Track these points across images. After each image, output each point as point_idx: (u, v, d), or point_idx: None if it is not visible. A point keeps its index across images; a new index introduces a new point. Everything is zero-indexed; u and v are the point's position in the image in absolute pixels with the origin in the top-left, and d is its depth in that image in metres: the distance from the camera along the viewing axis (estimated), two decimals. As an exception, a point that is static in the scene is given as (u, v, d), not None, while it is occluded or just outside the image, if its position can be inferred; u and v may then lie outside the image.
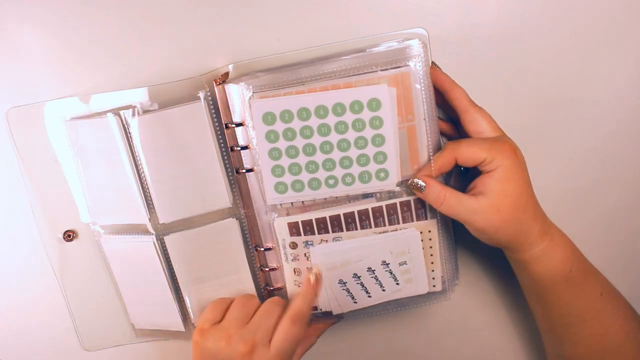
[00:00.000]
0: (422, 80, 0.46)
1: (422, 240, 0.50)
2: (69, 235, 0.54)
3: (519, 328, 0.59)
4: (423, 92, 0.47)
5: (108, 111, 0.49)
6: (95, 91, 0.50)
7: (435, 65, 0.48)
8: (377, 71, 0.46)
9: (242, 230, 0.52)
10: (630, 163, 0.54)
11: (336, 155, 0.47)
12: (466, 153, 0.44)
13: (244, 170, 0.50)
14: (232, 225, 0.52)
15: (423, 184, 0.46)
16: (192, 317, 0.54)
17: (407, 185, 0.48)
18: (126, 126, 0.49)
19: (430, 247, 0.51)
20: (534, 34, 0.50)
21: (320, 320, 0.54)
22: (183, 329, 0.55)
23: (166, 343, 0.58)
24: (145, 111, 0.48)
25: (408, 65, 0.46)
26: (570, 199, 0.55)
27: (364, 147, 0.47)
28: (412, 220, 0.50)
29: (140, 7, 0.49)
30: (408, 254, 0.50)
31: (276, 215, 0.50)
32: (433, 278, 0.52)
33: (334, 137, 0.47)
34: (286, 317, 0.47)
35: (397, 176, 0.48)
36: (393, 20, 0.49)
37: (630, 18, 0.50)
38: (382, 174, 0.48)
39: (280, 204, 0.50)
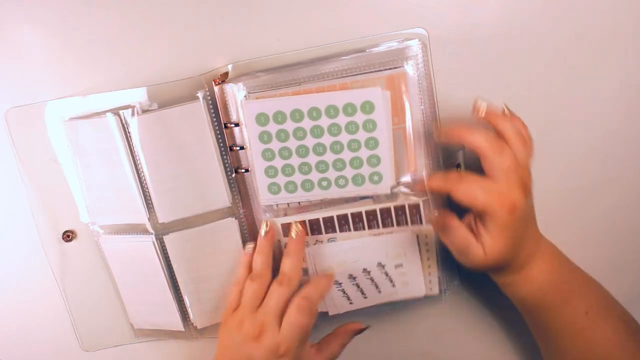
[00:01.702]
0: (419, 81, 0.46)
1: (418, 244, 0.50)
2: (68, 236, 0.54)
3: (518, 330, 0.59)
4: (420, 93, 0.47)
5: (107, 111, 0.49)
6: (95, 91, 0.50)
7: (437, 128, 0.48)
8: (373, 71, 0.46)
9: (241, 230, 0.52)
10: (630, 163, 0.54)
11: (329, 157, 0.47)
12: (462, 196, 0.42)
13: (242, 170, 0.50)
14: (231, 225, 0.52)
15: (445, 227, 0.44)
16: (191, 316, 0.54)
17: (430, 223, 0.47)
18: (125, 126, 0.49)
19: (427, 251, 0.51)
20: (534, 34, 0.50)
21: (344, 328, 0.52)
22: (182, 329, 0.55)
23: (166, 343, 0.58)
24: (145, 111, 0.48)
25: (405, 65, 0.46)
26: (570, 199, 0.55)
27: (357, 149, 0.47)
28: (407, 224, 0.50)
29: (140, 7, 0.49)
30: (404, 257, 0.50)
31: (271, 215, 0.50)
32: (430, 281, 0.52)
33: (327, 139, 0.47)
34: (293, 304, 0.46)
35: (392, 180, 0.48)
36: (393, 20, 0.49)
37: (631, 18, 0.50)
38: (376, 177, 0.48)
39: (277, 205, 0.50)
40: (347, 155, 0.47)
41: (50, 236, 0.54)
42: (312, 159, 0.47)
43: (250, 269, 0.49)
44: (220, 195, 0.50)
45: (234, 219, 0.52)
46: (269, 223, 0.50)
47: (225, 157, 0.50)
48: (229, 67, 0.49)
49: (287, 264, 0.48)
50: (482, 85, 0.51)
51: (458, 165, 0.51)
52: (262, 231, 0.49)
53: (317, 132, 0.47)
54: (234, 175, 0.51)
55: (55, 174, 0.52)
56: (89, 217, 0.53)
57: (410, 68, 0.46)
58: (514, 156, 0.42)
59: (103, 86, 0.50)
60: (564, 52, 0.51)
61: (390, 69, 0.46)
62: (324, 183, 0.48)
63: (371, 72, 0.46)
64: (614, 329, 0.46)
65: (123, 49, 0.50)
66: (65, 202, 0.52)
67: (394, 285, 0.51)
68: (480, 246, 0.43)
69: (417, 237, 0.50)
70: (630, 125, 0.53)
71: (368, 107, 0.46)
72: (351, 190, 0.48)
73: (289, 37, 0.49)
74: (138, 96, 0.49)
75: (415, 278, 0.51)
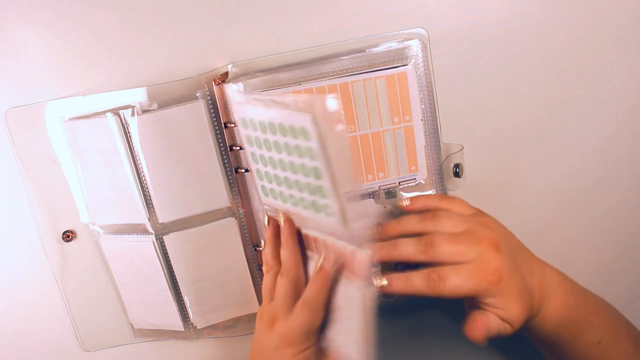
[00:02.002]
0: (421, 81, 0.46)
1: (363, 303, 0.41)
2: (68, 236, 0.53)
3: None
4: (421, 93, 0.47)
5: (107, 111, 0.49)
6: (95, 91, 0.50)
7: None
8: (373, 71, 0.46)
9: (241, 230, 0.52)
10: (630, 163, 0.54)
11: (290, 175, 0.43)
12: (450, 294, 0.41)
13: (242, 170, 0.50)
14: (231, 225, 0.52)
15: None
16: (191, 316, 0.54)
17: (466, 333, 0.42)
18: (125, 126, 0.49)
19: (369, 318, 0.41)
20: (534, 34, 0.50)
21: None
22: (182, 329, 0.55)
23: (166, 343, 0.58)
24: (145, 111, 0.48)
25: (405, 65, 0.46)
26: (571, 199, 0.55)
27: (307, 175, 0.41)
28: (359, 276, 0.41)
29: (140, 7, 0.49)
30: (351, 310, 0.43)
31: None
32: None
33: (285, 157, 0.42)
34: (299, 301, 0.45)
35: (342, 218, 0.40)
36: (393, 20, 0.49)
37: (631, 18, 0.50)
38: (329, 210, 0.41)
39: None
40: (302, 178, 0.41)
41: (50, 236, 0.54)
42: (280, 172, 0.43)
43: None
44: (220, 195, 0.50)
45: (233, 218, 0.51)
46: (268, 216, 0.48)
47: (225, 157, 0.50)
48: (229, 67, 0.49)
49: (283, 255, 0.47)
50: (482, 85, 0.51)
51: (457, 166, 0.51)
52: (265, 222, 0.48)
53: (277, 147, 0.42)
54: (234, 175, 0.51)
55: (55, 174, 0.52)
56: (88, 217, 0.53)
57: (410, 68, 0.46)
58: (445, 227, 0.42)
59: (103, 86, 0.50)
60: (564, 52, 0.51)
61: (390, 68, 0.46)
62: (292, 200, 0.44)
63: (371, 71, 0.46)
64: (625, 355, 0.46)
65: (123, 49, 0.50)
66: (65, 203, 0.52)
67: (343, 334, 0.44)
68: (504, 323, 0.42)
69: (363, 296, 0.41)
70: (630, 125, 0.53)
71: (306, 133, 0.38)
72: (309, 217, 0.43)
73: (289, 37, 0.49)
74: (138, 96, 0.49)
75: (354, 340, 0.42)
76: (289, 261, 0.46)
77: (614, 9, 0.50)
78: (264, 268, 0.49)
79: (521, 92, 0.52)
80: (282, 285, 0.46)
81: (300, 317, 0.44)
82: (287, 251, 0.46)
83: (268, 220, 0.48)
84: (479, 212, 0.45)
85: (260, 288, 0.54)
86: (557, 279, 0.46)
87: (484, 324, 0.42)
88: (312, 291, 0.45)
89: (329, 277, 0.45)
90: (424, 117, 0.47)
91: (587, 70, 0.51)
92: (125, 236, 0.52)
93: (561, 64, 0.51)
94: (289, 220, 0.46)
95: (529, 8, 0.49)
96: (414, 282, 0.42)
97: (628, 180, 0.55)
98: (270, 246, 0.48)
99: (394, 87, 0.46)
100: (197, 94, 0.48)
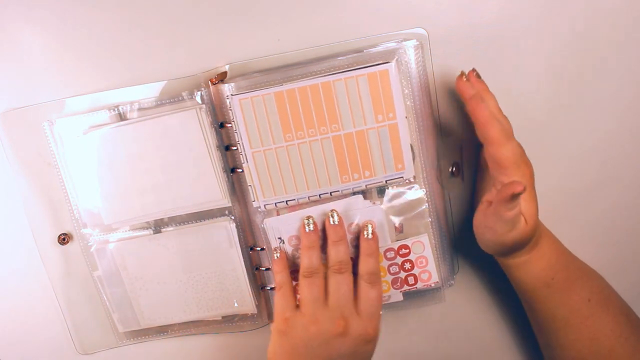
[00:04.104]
0: (409, 78, 0.46)
1: None
2: (64, 239, 0.53)
3: (520, 327, 0.59)
4: (407, 90, 0.47)
5: (105, 110, 0.49)
6: (94, 91, 0.49)
7: (464, 75, 0.45)
8: (356, 69, 0.46)
9: (237, 229, 0.52)
10: (630, 163, 0.54)
11: None
12: (497, 153, 0.42)
13: (239, 170, 0.50)
14: (227, 225, 0.51)
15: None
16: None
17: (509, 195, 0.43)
18: (123, 125, 0.48)
19: None
20: (534, 34, 0.50)
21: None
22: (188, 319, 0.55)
23: (165, 343, 0.58)
24: (143, 110, 0.48)
25: (388, 62, 0.46)
26: (571, 199, 0.55)
27: None
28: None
29: (140, 8, 0.49)
30: None
31: (262, 217, 0.51)
32: None
33: None
34: (362, 281, 0.46)
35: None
36: (393, 20, 0.49)
37: (631, 18, 0.50)
38: None
39: (265, 205, 0.50)
40: None
41: (46, 239, 0.53)
42: None
43: (286, 271, 0.49)
44: (217, 195, 0.50)
45: (230, 219, 0.51)
46: (313, 219, 0.49)
47: (222, 156, 0.50)
48: (227, 67, 0.49)
49: (336, 252, 0.47)
50: (481, 85, 0.51)
51: (454, 165, 0.51)
52: (309, 227, 0.48)
53: None
54: (231, 174, 0.50)
55: (50, 177, 0.51)
56: (85, 219, 0.52)
57: (392, 65, 0.46)
58: (503, 126, 0.44)
59: (101, 86, 0.50)
60: (564, 52, 0.51)
61: (372, 66, 0.46)
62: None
63: (354, 69, 0.46)
64: (615, 321, 0.46)
65: (122, 49, 0.49)
66: (60, 205, 0.52)
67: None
68: (522, 215, 0.43)
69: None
70: (630, 125, 0.53)
71: None
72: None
73: (290, 37, 0.49)
74: (136, 95, 0.49)
75: None
76: (345, 256, 0.47)
77: (613, 9, 0.50)
78: (283, 277, 0.48)
79: (521, 92, 0.52)
80: (345, 282, 0.46)
81: (377, 294, 0.46)
82: (342, 247, 0.47)
83: (313, 226, 0.48)
84: None
85: (257, 288, 0.54)
86: (549, 233, 0.48)
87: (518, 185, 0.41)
88: (373, 261, 0.47)
89: (377, 241, 0.48)
90: (409, 114, 0.47)
91: (587, 70, 0.51)
92: (122, 236, 0.52)
93: (561, 64, 0.51)
94: (341, 218, 0.48)
95: (529, 8, 0.49)
96: (492, 124, 0.42)
97: (628, 180, 0.55)
98: (316, 250, 0.48)
99: (376, 84, 0.46)
100: (195, 94, 0.48)
